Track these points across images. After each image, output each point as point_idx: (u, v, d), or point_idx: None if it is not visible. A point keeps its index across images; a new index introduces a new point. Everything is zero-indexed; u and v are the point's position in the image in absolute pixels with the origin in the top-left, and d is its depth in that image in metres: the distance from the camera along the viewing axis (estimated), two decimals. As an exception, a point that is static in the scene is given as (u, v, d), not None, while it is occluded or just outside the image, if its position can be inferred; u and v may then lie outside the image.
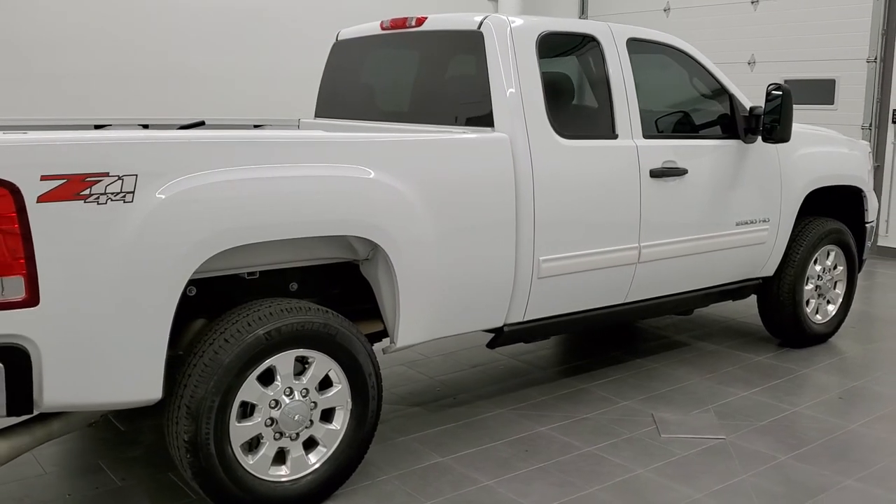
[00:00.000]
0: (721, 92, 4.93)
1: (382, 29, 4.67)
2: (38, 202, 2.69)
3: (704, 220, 4.73)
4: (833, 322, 5.75)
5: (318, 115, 5.22)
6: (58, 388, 2.81)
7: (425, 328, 3.72)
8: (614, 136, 4.31)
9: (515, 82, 3.94)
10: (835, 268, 5.71)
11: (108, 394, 2.92)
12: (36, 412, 2.85)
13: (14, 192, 2.65)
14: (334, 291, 3.89)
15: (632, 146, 4.34)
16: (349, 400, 3.47)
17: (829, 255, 5.64)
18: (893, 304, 6.97)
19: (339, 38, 5.09)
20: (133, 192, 2.85)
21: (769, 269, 5.31)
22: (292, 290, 3.73)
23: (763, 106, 4.86)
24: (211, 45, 8.61)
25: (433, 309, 3.69)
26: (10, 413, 2.77)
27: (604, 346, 5.68)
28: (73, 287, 2.77)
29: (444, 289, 3.69)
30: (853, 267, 5.80)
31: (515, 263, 3.92)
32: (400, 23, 4.52)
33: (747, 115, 4.90)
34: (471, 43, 4.06)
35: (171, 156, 2.95)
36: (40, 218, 2.70)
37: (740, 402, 4.67)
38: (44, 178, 2.69)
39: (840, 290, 5.78)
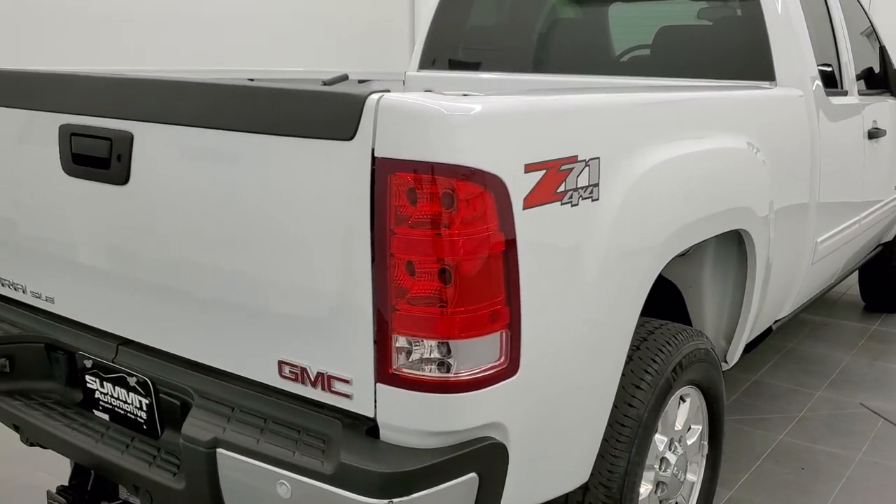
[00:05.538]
0: (877, 43, 4.47)
1: (551, -41, 3.74)
2: (524, 209, 1.65)
3: (886, 184, 4.29)
4: (913, 284, 5.59)
5: (423, 66, 4.17)
6: (511, 492, 1.80)
7: (746, 339, 2.96)
8: (844, 93, 3.71)
9: (790, 26, 3.21)
10: (915, 229, 5.52)
11: (550, 486, 1.94)
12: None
13: (498, 192, 1.59)
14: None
15: (858, 104, 3.77)
16: (705, 443, 2.67)
17: (916, 215, 5.43)
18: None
19: (460, -28, 4.06)
20: (598, 185, 1.86)
21: (891, 234, 4.99)
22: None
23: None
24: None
25: (760, 312, 2.94)
26: (465, 546, 1.72)
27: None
28: (547, 340, 1.77)
29: (769, 286, 2.95)
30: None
31: (803, 247, 3.24)
32: (588, -48, 3.62)
33: (903, 68, 4.49)
34: (733, -22, 3.28)
35: (635, 127, 1.98)
36: (526, 234, 1.66)
37: (922, 380, 4.33)
38: (528, 168, 1.66)
39: (914, 251, 5.61)
